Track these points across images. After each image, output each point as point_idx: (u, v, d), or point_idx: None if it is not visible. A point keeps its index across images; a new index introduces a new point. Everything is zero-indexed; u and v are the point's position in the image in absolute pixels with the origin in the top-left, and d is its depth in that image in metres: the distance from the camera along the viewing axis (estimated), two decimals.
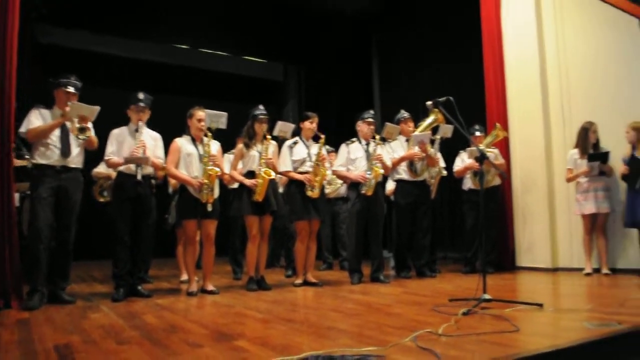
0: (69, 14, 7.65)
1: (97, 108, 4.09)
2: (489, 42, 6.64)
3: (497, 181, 6.06)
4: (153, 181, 4.78)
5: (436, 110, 5.12)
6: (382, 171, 5.26)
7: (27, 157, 4.64)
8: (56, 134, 4.09)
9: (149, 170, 4.52)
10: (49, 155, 4.05)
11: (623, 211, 5.34)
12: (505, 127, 6.33)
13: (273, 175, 4.77)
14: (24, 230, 4.66)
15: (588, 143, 5.54)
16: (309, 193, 5.00)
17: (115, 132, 4.48)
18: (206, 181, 4.45)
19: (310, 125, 5.19)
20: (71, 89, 4.18)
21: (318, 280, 5.17)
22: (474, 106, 6.41)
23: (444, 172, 6.05)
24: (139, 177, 4.34)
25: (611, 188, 5.51)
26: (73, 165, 4.17)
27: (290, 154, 5.11)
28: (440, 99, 3.91)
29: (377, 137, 5.33)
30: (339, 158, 5.45)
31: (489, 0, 6.64)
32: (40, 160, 4.04)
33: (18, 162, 4.61)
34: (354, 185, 5.30)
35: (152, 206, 4.58)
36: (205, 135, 4.57)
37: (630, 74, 5.57)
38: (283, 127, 5.27)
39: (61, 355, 2.37)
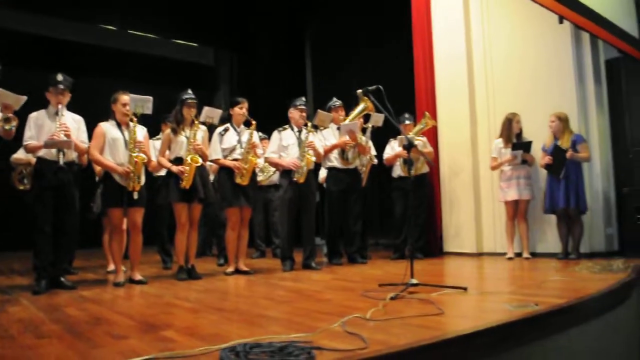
0: None
1: (24, 98, 3.83)
2: (420, 35, 6.81)
3: (425, 169, 6.22)
4: (76, 167, 4.55)
5: (366, 98, 5.19)
6: (314, 159, 5.27)
7: None
8: None
9: (72, 155, 4.29)
10: None
11: (543, 198, 5.62)
12: (434, 116, 6.51)
13: (201, 161, 4.67)
14: None
15: (512, 133, 5.80)
16: (238, 180, 4.93)
17: (34, 116, 4.19)
18: (132, 169, 4.29)
19: (240, 110, 5.11)
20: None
21: (250, 268, 5.13)
22: (404, 95, 6.56)
23: (375, 160, 6.15)
24: (61, 162, 4.08)
25: (532, 176, 5.81)
26: None
27: (221, 142, 5.02)
28: (370, 88, 3.97)
29: (309, 124, 5.33)
30: (271, 145, 5.41)
31: None
32: None
33: None
34: (286, 172, 5.28)
35: (75, 194, 4.35)
36: (131, 121, 4.40)
37: (550, 67, 5.88)
38: (210, 112, 5.07)
39: None
